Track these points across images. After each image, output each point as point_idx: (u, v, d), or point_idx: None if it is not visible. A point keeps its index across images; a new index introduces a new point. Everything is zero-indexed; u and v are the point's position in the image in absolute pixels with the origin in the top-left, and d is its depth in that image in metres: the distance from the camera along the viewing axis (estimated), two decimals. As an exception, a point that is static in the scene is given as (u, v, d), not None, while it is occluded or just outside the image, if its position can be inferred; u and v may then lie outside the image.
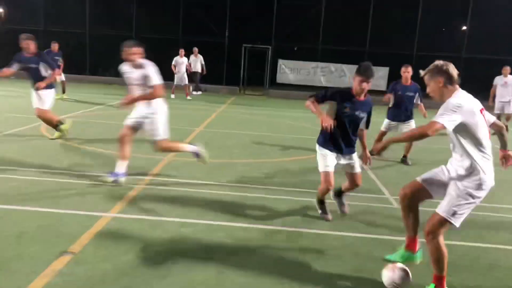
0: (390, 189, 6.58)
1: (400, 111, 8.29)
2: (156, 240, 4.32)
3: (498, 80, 12.35)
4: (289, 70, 22.33)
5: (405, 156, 8.47)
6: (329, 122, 4.61)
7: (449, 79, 3.44)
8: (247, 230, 4.75)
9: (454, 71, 3.47)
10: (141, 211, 5.06)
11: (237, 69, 22.65)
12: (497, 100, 12.17)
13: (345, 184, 5.31)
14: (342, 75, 22.18)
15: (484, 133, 3.37)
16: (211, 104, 16.71)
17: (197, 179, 6.47)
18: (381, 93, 21.95)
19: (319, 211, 5.25)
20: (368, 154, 5.01)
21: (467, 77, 21.26)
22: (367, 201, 6.00)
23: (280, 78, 22.33)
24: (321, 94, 4.88)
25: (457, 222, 3.40)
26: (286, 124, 13.02)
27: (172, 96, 17.67)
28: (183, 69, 17.67)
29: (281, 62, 22.25)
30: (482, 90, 12.92)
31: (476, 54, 21.85)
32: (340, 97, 4.79)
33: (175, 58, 17.73)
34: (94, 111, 12.85)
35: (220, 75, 22.60)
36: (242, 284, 3.59)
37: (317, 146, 5.08)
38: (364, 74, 4.63)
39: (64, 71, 15.45)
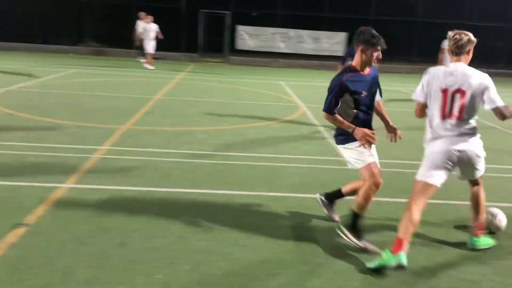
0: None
1: None
2: (115, 209, 4.28)
3: (446, 44, 12.58)
4: (248, 36, 22.08)
5: None
6: (370, 138, 3.64)
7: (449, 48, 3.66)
8: (207, 196, 4.77)
9: (448, 42, 3.63)
10: (99, 181, 4.98)
11: (195, 36, 22.19)
12: (445, 63, 12.42)
13: (354, 183, 4.15)
14: (301, 41, 22.15)
15: (435, 107, 3.57)
16: (169, 72, 16.38)
17: (155, 147, 6.41)
18: (339, 58, 22.15)
19: (354, 241, 3.72)
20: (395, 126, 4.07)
21: (423, 41, 21.85)
22: (324, 164, 6.13)
23: (239, 44, 22.08)
24: (333, 98, 3.72)
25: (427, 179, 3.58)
26: (246, 91, 12.98)
27: (152, 67, 16.72)
28: (153, 36, 16.73)
29: (240, 28, 21.95)
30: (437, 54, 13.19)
31: (432, 19, 22.21)
32: (350, 86, 3.71)
33: (143, 26, 16.92)
34: (43, 81, 12.37)
35: (177, 42, 22.08)
36: (202, 248, 3.63)
37: (351, 143, 3.80)
38: (379, 43, 3.70)
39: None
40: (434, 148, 3.59)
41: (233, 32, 21.98)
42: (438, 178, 3.57)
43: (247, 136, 7.47)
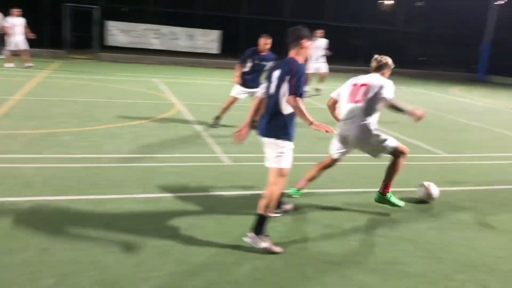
0: (223, 148, 6.82)
1: (256, 79, 8.22)
2: (-35, 224, 3.82)
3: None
4: (119, 32, 21.19)
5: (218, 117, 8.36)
6: (328, 130, 3.72)
7: None
8: (74, 202, 4.47)
9: (373, 61, 4.73)
10: None
11: (60, 31, 20.65)
12: (312, 62, 13.16)
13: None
14: (174, 37, 21.86)
15: (344, 97, 4.68)
16: (31, 70, 15.04)
17: (14, 153, 5.84)
18: (213, 56, 22.30)
19: (261, 244, 3.72)
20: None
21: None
22: (201, 161, 6.14)
23: (109, 41, 21.09)
24: (300, 81, 3.68)
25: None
26: (118, 89, 12.46)
27: (10, 65, 14.91)
28: (19, 31, 15.07)
29: (110, 24, 20.97)
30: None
31: (299, 19, 23.39)
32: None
33: (8, 19, 15.13)
34: None
35: (40, 38, 20.32)
36: (69, 259, 3.39)
37: (286, 142, 3.80)
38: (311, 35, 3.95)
39: None
40: (337, 130, 4.62)
41: (102, 27, 20.91)
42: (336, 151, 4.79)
43: (119, 136, 7.16)
